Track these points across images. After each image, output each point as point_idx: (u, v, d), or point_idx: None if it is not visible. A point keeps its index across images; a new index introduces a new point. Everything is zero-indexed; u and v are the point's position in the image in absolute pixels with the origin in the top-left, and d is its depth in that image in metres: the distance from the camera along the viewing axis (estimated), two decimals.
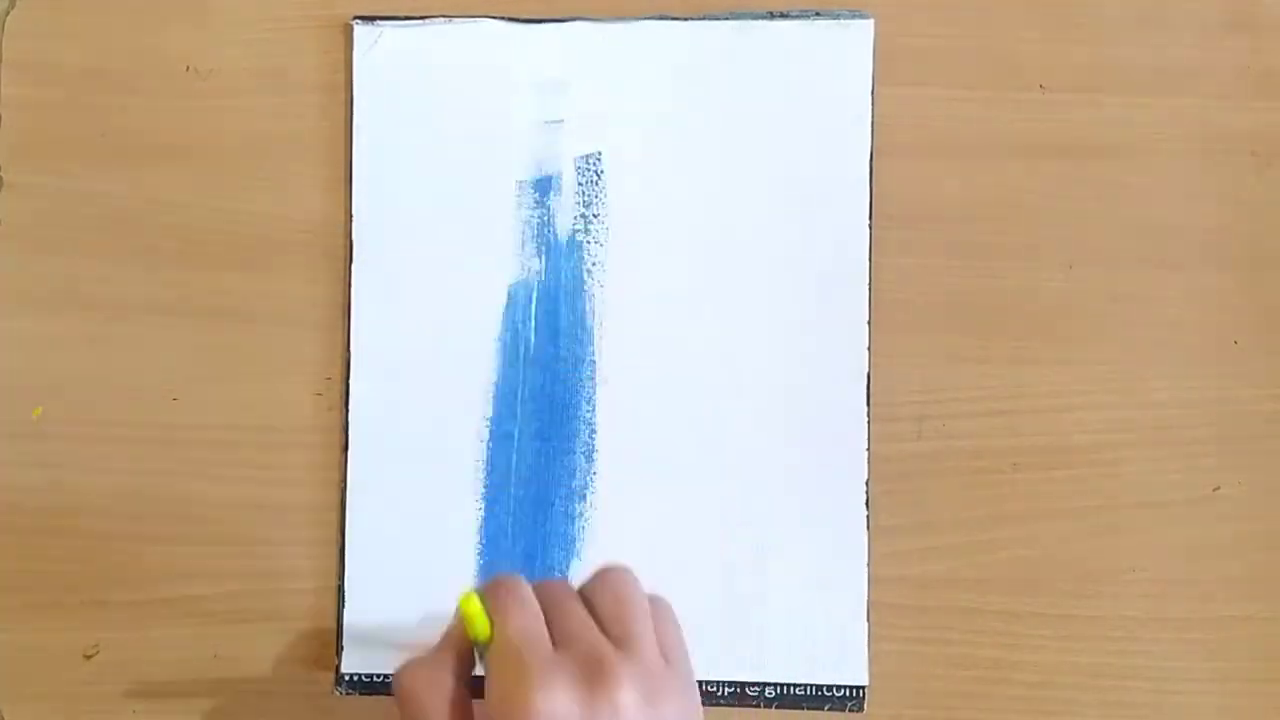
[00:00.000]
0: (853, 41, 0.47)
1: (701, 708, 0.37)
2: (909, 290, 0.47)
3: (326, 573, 0.47)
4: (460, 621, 0.37)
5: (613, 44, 0.48)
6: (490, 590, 0.37)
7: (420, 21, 0.48)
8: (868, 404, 0.46)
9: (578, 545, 0.47)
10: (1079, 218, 0.47)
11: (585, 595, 0.37)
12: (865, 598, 0.46)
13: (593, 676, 0.34)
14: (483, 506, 0.47)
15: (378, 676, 0.47)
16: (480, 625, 0.36)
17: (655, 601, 0.38)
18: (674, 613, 0.38)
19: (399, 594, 0.47)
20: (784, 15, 0.47)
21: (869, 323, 0.47)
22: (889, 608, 0.46)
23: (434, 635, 0.47)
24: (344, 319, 0.47)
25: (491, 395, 0.47)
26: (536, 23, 0.48)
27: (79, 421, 0.48)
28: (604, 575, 0.37)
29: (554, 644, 0.35)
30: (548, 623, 0.36)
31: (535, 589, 0.37)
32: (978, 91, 0.48)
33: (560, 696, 0.33)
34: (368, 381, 0.47)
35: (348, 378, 0.47)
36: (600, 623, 0.36)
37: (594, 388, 0.47)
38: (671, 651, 0.37)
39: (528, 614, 0.36)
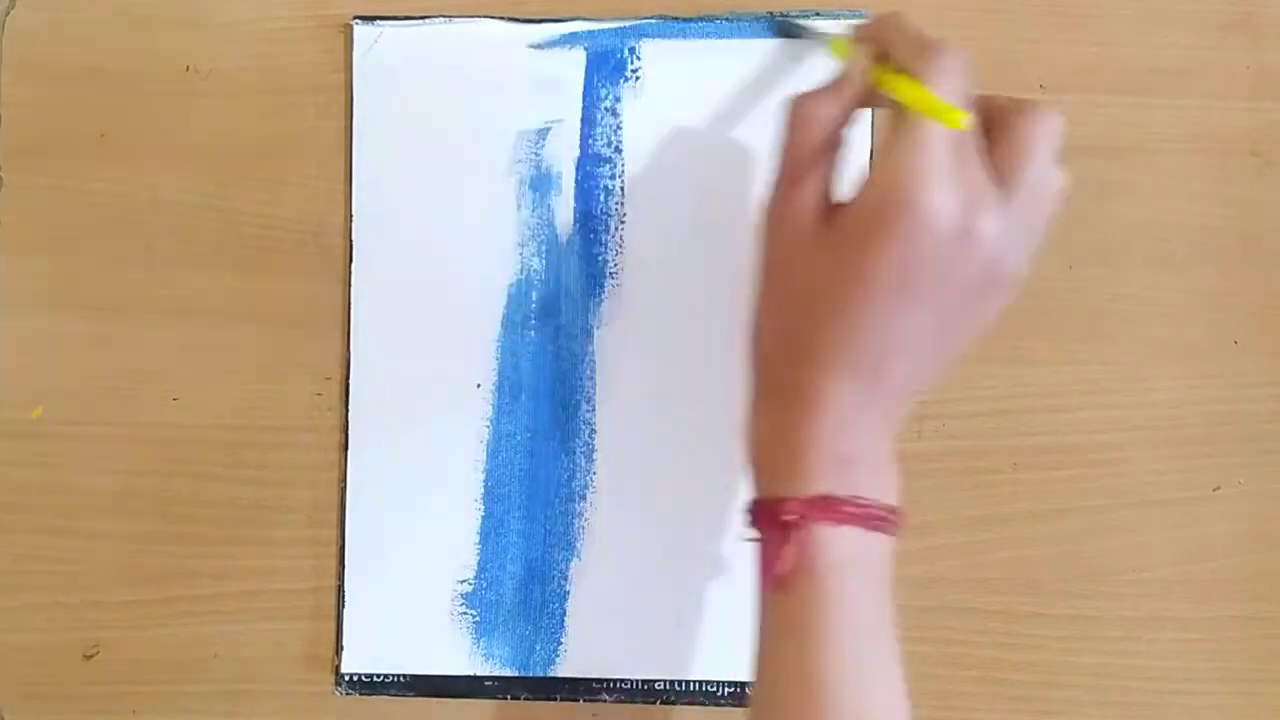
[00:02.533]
0: None
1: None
2: None
3: (326, 573, 0.47)
4: (861, 66, 0.37)
5: (612, 44, 0.48)
6: (937, 56, 0.35)
7: (420, 21, 0.48)
8: None
9: (578, 545, 0.47)
10: (1079, 218, 0.47)
11: (996, 118, 0.36)
12: None
13: (975, 198, 0.35)
14: (482, 506, 0.47)
15: (378, 676, 0.47)
16: (902, 86, 0.35)
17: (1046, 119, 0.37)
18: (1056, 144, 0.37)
19: (399, 594, 0.47)
20: (784, 15, 0.47)
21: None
22: None
23: (433, 637, 0.47)
24: (344, 319, 0.47)
25: (491, 395, 0.47)
26: (536, 23, 0.48)
27: (79, 421, 0.48)
28: (1029, 120, 0.36)
29: None
30: None
31: None
32: (978, 91, 0.47)
33: (949, 198, 0.34)
34: (368, 381, 0.47)
35: (348, 378, 0.47)
36: (994, 151, 0.36)
37: (593, 387, 0.47)
38: (1043, 202, 0.37)
39: (959, 102, 0.35)
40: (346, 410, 0.47)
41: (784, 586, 0.36)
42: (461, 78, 0.48)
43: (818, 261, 0.36)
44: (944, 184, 0.34)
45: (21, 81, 0.48)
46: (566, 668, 0.47)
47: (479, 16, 0.48)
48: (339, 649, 0.47)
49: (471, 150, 0.48)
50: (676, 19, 0.47)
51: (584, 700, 0.47)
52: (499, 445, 0.47)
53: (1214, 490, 0.47)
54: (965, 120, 0.34)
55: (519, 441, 0.47)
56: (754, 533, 0.37)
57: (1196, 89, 0.47)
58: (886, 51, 0.37)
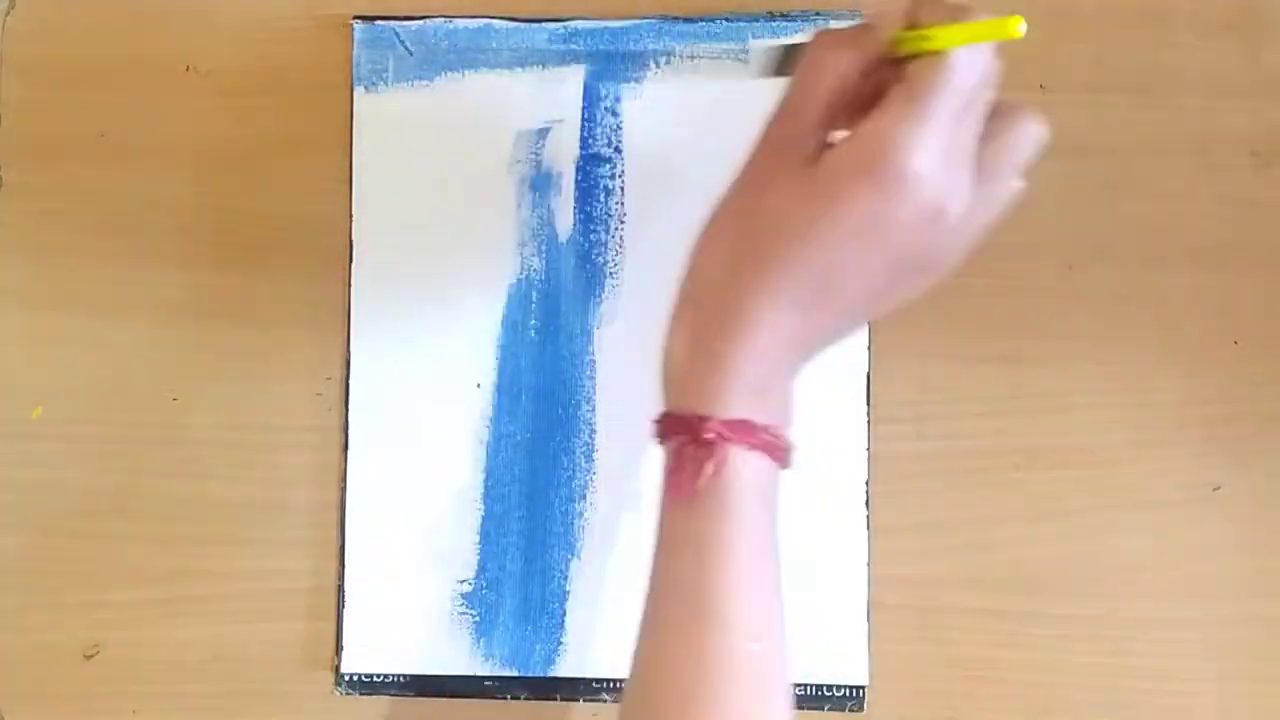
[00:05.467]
0: None
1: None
2: None
3: (326, 573, 0.47)
4: (887, 24, 0.36)
5: (612, 44, 0.48)
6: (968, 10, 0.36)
7: (420, 21, 0.48)
8: (868, 404, 0.46)
9: (577, 545, 0.47)
10: (1079, 218, 0.47)
11: (995, 110, 0.37)
12: (865, 598, 0.46)
13: (956, 181, 0.35)
14: (482, 506, 0.47)
15: (378, 676, 0.47)
16: (948, 32, 0.35)
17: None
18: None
19: (399, 594, 0.47)
20: (784, 15, 0.47)
21: (869, 323, 0.47)
22: (889, 608, 0.46)
23: (433, 637, 0.47)
24: (344, 319, 0.47)
25: (491, 395, 0.47)
26: (537, 22, 0.48)
27: (79, 421, 0.48)
28: (1024, 124, 0.37)
29: None
30: None
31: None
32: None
33: (938, 173, 0.35)
34: (368, 381, 0.47)
35: (348, 378, 0.47)
36: (982, 142, 0.36)
37: (594, 388, 0.47)
38: (1000, 204, 0.38)
39: (976, 78, 0.35)
40: (346, 410, 0.47)
41: (690, 502, 0.37)
42: (461, 77, 0.48)
43: (795, 196, 0.36)
44: (936, 158, 0.35)
45: (21, 81, 0.48)
46: (566, 668, 0.47)
47: (479, 16, 0.48)
48: (339, 649, 0.47)
49: (471, 150, 0.48)
50: (676, 19, 0.47)
51: (584, 700, 0.47)
52: (499, 445, 0.47)
53: (1214, 490, 0.47)
54: (1020, 26, 0.33)
55: (519, 441, 0.47)
56: (665, 442, 0.38)
57: (1196, 89, 0.47)
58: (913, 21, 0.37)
